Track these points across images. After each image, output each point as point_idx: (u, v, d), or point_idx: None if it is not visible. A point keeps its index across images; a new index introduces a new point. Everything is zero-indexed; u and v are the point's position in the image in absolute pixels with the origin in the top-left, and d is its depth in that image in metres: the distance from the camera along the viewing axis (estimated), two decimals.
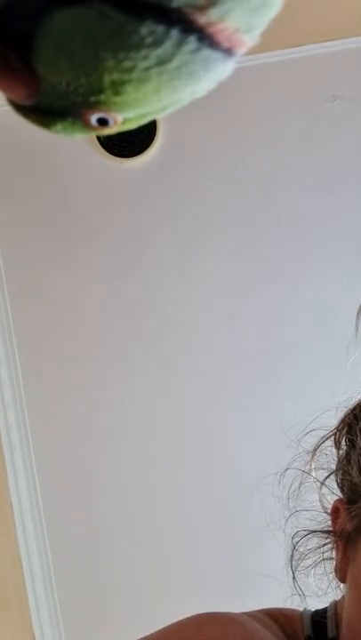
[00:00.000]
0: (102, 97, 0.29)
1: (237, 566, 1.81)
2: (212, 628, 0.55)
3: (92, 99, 0.29)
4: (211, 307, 1.94)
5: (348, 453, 0.62)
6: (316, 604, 0.65)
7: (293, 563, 0.66)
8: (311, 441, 0.66)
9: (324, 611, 0.63)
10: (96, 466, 1.92)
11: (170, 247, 1.96)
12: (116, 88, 0.29)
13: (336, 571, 0.61)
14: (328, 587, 0.65)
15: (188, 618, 0.57)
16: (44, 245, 1.99)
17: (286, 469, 0.68)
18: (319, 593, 0.66)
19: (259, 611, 0.63)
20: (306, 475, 0.66)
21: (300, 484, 0.67)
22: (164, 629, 0.56)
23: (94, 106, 0.30)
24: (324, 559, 0.65)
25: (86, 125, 0.31)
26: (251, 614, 0.61)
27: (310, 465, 0.66)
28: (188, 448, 1.90)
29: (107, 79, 0.28)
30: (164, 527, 1.88)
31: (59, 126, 0.32)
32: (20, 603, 1.81)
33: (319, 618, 0.62)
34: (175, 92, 0.29)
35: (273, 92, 1.96)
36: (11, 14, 0.28)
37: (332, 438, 0.64)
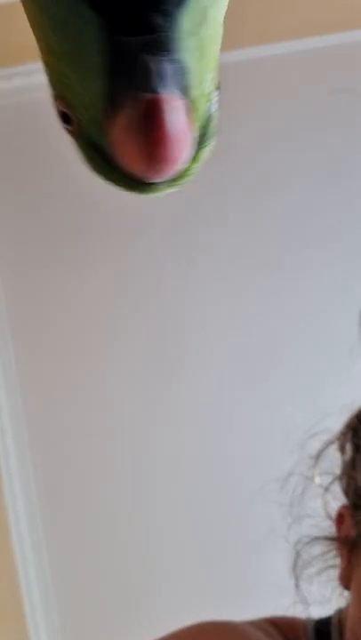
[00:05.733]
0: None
1: (239, 573, 1.80)
2: (215, 636, 0.55)
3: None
4: (212, 307, 1.93)
5: (353, 458, 0.61)
6: (319, 612, 0.64)
7: (297, 570, 0.65)
8: (315, 445, 0.65)
9: (328, 619, 0.63)
10: (94, 470, 1.91)
11: (169, 246, 1.96)
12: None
13: (341, 578, 0.60)
14: (332, 594, 0.65)
15: (190, 625, 0.57)
16: (42, 244, 1.99)
17: (289, 475, 0.67)
18: (323, 601, 0.65)
19: (261, 619, 0.63)
20: (309, 480, 0.66)
21: (303, 490, 0.67)
22: (165, 637, 0.56)
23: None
24: (328, 566, 0.64)
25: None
26: (254, 623, 0.61)
27: (314, 470, 0.65)
28: (189, 452, 1.89)
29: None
30: (165, 533, 1.87)
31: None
32: (15, 612, 1.80)
33: (323, 626, 0.62)
34: None
35: (275, 85, 1.96)
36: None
37: (337, 442, 0.64)
